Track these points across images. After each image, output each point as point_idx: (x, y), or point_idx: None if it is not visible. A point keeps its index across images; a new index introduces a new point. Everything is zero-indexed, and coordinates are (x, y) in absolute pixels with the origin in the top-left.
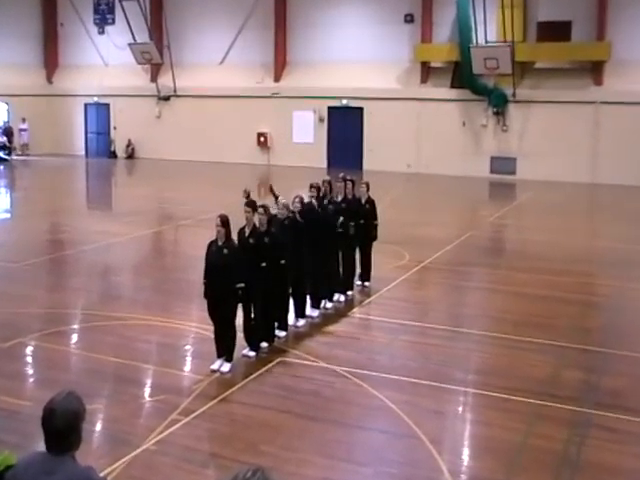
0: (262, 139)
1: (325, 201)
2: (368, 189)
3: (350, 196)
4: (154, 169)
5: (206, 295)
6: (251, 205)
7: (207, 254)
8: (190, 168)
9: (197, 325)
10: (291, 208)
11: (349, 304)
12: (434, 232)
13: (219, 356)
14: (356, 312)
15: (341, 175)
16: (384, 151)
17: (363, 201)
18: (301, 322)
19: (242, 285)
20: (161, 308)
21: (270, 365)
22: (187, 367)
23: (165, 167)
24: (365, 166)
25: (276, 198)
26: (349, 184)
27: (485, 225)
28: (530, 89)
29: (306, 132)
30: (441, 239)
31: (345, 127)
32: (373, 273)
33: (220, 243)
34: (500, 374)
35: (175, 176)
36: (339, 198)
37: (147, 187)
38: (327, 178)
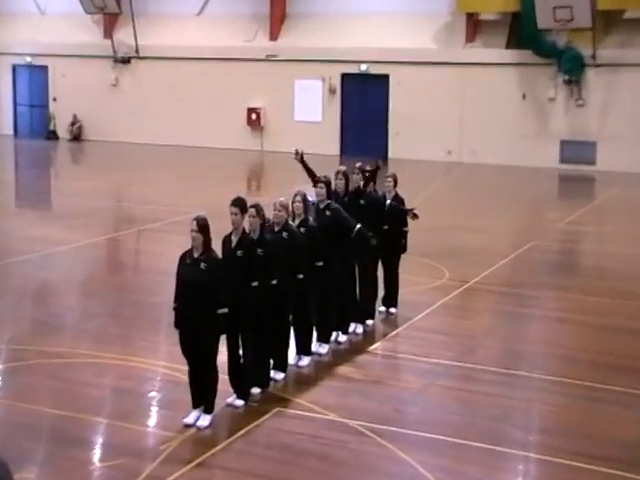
0: (254, 117)
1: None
2: (395, 184)
3: (370, 193)
4: (109, 155)
5: (178, 324)
6: (239, 204)
7: (179, 269)
8: (157, 155)
9: (166, 364)
10: (296, 209)
11: (369, 337)
12: (483, 242)
13: (195, 406)
14: (378, 348)
15: (358, 165)
16: (416, 134)
17: (388, 200)
18: (305, 360)
19: (225, 311)
20: (118, 342)
21: (264, 418)
22: (152, 421)
23: (124, 153)
24: (391, 154)
25: (315, 180)
26: (369, 178)
27: (553, 233)
28: (617, 48)
29: (312, 108)
30: (493, 251)
31: (364, 101)
32: (401, 296)
33: (197, 255)
34: (572, 434)
35: (137, 165)
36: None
37: (99, 179)
38: (342, 168)
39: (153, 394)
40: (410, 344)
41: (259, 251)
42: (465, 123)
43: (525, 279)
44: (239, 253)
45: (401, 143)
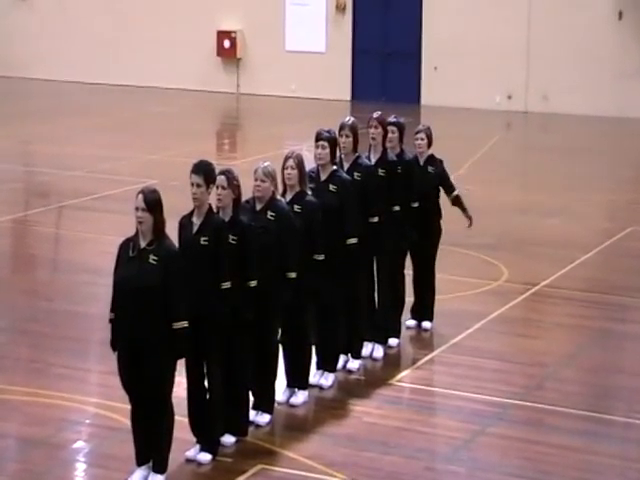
0: (226, 44)
1: (345, 165)
2: (430, 143)
3: (394, 155)
4: (13, 98)
5: (115, 344)
6: (203, 171)
7: (118, 265)
8: (85, 98)
9: (97, 402)
10: (287, 179)
11: (392, 363)
12: (558, 227)
13: (140, 463)
14: (405, 379)
15: (376, 116)
16: (462, 69)
17: (422, 163)
18: (300, 397)
19: (185, 325)
20: (26, 369)
21: (245, 476)
22: None
23: (36, 95)
24: (425, 99)
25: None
26: (392, 133)
27: None
28: None
29: (311, 32)
30: (572, 241)
31: (387, 22)
32: (439, 305)
33: (144, 244)
34: None
35: (56, 113)
36: (373, 159)
37: (2, 135)
38: (348, 121)
39: (78, 446)
40: (451, 374)
41: (231, 238)
42: (533, 55)
43: (619, 281)
44: (203, 241)
45: (440, 83)
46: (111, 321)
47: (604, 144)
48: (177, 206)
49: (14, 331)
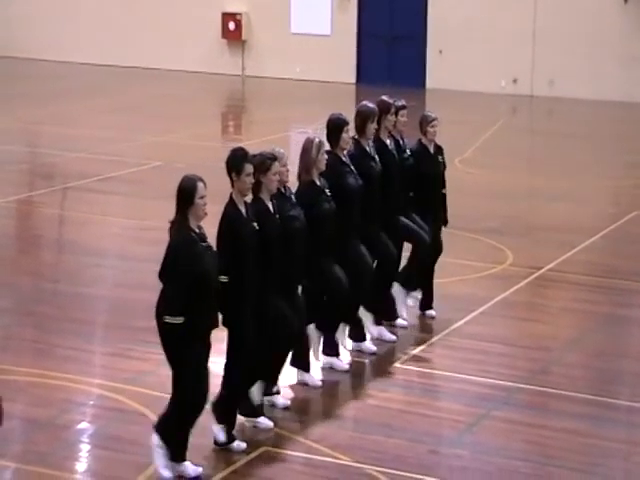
0: (232, 26)
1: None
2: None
3: (403, 140)
4: (23, 82)
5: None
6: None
7: (196, 257)
8: (90, 79)
9: (101, 383)
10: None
11: (396, 346)
12: (564, 211)
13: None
14: (409, 362)
15: (392, 101)
16: (467, 53)
17: (432, 151)
18: (309, 377)
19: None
20: (31, 350)
21: (242, 462)
22: (81, 467)
23: (40, 75)
24: (430, 82)
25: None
26: (401, 116)
27: None
28: None
29: (317, 14)
30: (577, 225)
31: (393, 5)
32: (444, 289)
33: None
34: None
35: (60, 94)
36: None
37: (6, 116)
38: (365, 107)
39: (82, 427)
40: (455, 358)
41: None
42: (540, 38)
43: (623, 265)
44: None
45: (445, 66)
46: (179, 324)
47: (609, 129)
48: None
49: (19, 312)
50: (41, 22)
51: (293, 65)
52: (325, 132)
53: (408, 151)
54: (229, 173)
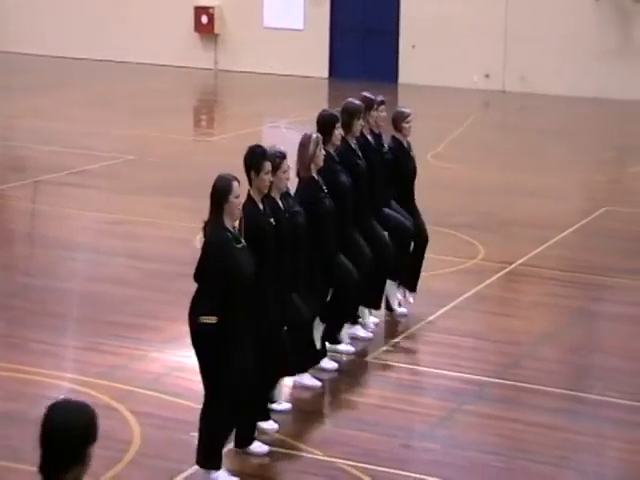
0: (204, 20)
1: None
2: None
3: (381, 136)
4: (0, 74)
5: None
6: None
7: (229, 256)
8: (62, 73)
9: (73, 378)
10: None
11: (368, 341)
12: (535, 207)
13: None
14: (382, 356)
15: (373, 96)
16: (439, 48)
17: (406, 146)
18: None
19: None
20: (4, 344)
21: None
22: None
23: (21, 71)
24: (402, 77)
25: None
26: (381, 112)
27: (637, 195)
28: None
29: (290, 8)
30: (548, 220)
31: (365, 1)
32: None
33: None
34: None
35: (31, 87)
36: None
37: None
38: (352, 104)
39: None
40: (427, 352)
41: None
42: (512, 34)
43: (595, 260)
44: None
45: (418, 61)
46: (208, 323)
47: (581, 125)
48: (154, 182)
49: None
50: (13, 15)
51: (266, 59)
52: (316, 129)
53: (386, 146)
54: (247, 171)
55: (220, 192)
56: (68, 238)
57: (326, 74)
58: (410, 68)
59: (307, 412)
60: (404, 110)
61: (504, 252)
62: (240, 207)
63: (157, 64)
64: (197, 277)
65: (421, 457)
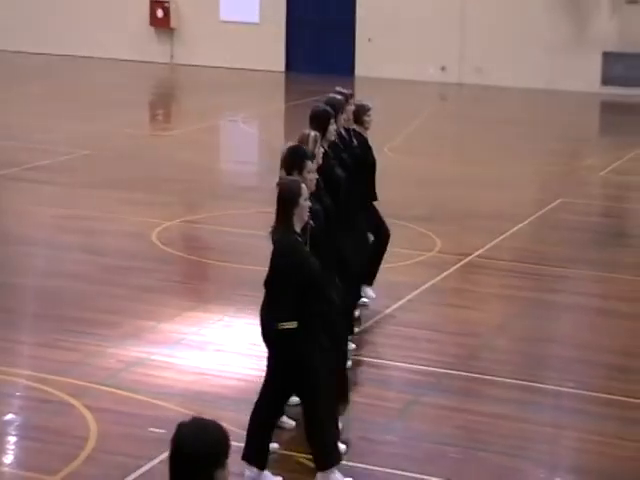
0: (160, 14)
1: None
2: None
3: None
4: None
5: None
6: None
7: (307, 258)
8: (21, 68)
9: (30, 375)
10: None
11: None
12: (490, 199)
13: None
14: None
15: (339, 89)
16: (395, 41)
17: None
18: None
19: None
20: None
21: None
22: (7, 459)
23: None
24: (359, 70)
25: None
26: (350, 105)
27: (590, 186)
28: None
29: (246, 2)
30: (503, 212)
31: None
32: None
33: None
34: (617, 476)
35: None
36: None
37: None
38: (335, 99)
39: (9, 418)
40: (384, 345)
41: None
42: (467, 27)
43: (549, 252)
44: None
45: (374, 54)
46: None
47: (535, 116)
48: (110, 177)
49: None
50: None
51: (222, 53)
52: (310, 125)
53: (355, 141)
54: (289, 171)
55: (290, 196)
56: (24, 234)
57: (283, 67)
58: (366, 61)
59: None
60: (365, 103)
61: (460, 244)
62: (308, 209)
63: (112, 58)
64: (270, 283)
65: (379, 449)
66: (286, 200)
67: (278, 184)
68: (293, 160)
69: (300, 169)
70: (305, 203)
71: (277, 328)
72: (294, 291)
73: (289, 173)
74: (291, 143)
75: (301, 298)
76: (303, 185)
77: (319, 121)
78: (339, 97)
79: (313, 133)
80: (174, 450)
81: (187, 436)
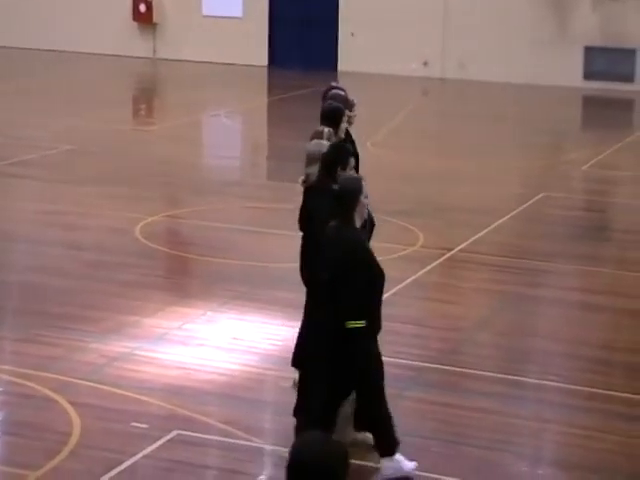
0: (142, 8)
1: None
2: None
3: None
4: None
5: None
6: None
7: (375, 259)
8: (5, 64)
9: (11, 369)
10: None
11: None
12: (473, 193)
13: None
14: None
15: (335, 84)
16: (378, 36)
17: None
18: None
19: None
20: None
21: (155, 446)
22: None
23: None
24: (341, 65)
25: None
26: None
27: (573, 180)
28: None
29: None
30: (486, 206)
31: None
32: None
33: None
34: (603, 470)
35: None
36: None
37: None
38: (341, 96)
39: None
40: None
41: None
42: (450, 22)
43: (532, 246)
44: None
45: (357, 49)
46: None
47: (518, 111)
48: (93, 172)
49: None
50: None
51: (205, 48)
52: (322, 121)
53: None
54: (333, 167)
55: (353, 193)
56: (7, 229)
57: (266, 62)
58: (349, 56)
59: (245, 400)
60: (350, 98)
61: (443, 238)
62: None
63: (95, 53)
64: (333, 283)
65: (363, 444)
66: (349, 197)
67: (340, 181)
68: (338, 157)
69: (344, 165)
70: (365, 200)
71: (346, 327)
72: (365, 289)
73: (330, 170)
74: (320, 140)
75: (368, 296)
76: (364, 182)
77: (334, 118)
78: (342, 93)
79: (327, 129)
80: (294, 465)
81: (309, 452)
